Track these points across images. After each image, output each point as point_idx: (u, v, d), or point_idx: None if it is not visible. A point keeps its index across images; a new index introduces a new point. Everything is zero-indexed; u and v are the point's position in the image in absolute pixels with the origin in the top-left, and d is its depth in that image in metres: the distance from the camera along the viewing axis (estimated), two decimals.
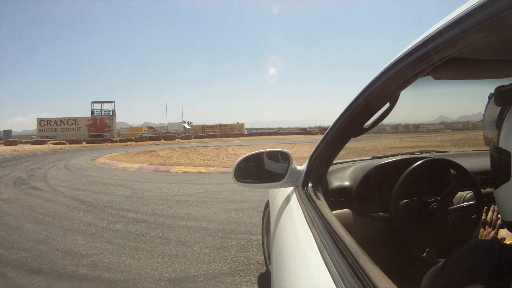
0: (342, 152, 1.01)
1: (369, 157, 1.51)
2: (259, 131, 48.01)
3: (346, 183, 1.20)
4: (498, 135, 0.53)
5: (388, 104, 0.77)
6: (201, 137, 39.34)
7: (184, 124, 52.75)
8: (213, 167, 8.06)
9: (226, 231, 3.15)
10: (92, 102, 47.46)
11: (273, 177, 1.11)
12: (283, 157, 1.13)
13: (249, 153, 1.14)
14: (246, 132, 47.45)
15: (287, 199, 1.17)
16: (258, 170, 1.17)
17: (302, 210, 0.92)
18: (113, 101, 47.95)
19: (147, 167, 8.75)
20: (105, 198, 4.89)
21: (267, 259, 2.06)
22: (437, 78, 0.75)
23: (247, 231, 3.15)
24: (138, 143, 29.98)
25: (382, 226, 1.13)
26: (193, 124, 56.24)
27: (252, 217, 3.61)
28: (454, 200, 1.10)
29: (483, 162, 1.35)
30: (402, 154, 1.44)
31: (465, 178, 1.07)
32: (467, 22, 0.42)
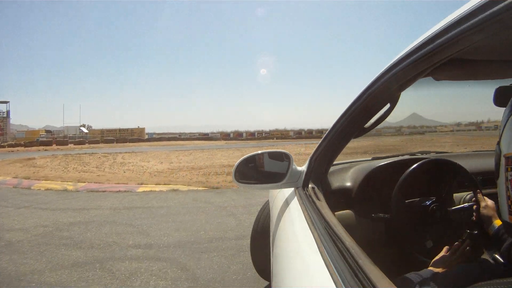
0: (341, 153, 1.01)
1: (370, 158, 1.51)
2: (159, 136, 45.30)
3: (347, 184, 1.20)
4: (501, 133, 0.54)
5: (388, 105, 0.77)
6: (97, 142, 36.17)
7: (82, 128, 48.53)
8: (85, 182, 6.80)
9: None
10: None
11: (274, 178, 1.11)
12: (284, 158, 1.13)
13: (249, 154, 1.14)
14: (147, 136, 44.61)
15: (288, 200, 1.17)
16: (259, 171, 1.17)
17: (303, 211, 0.92)
18: (8, 101, 41.52)
19: (10, 181, 7.17)
20: None
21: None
22: (437, 79, 0.75)
23: None
24: (27, 148, 26.46)
25: (383, 227, 1.13)
26: (93, 128, 50.90)
27: (92, 283, 2.21)
28: (454, 201, 1.10)
29: (483, 163, 1.35)
30: (402, 155, 1.44)
31: (466, 179, 1.07)
32: (467, 23, 0.42)
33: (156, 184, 6.29)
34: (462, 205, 1.05)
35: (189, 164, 10.08)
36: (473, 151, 1.81)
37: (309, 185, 1.03)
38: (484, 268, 0.50)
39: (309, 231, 0.77)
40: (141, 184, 6.37)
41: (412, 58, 0.55)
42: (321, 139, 1.00)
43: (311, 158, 1.06)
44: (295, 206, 1.02)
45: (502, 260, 0.69)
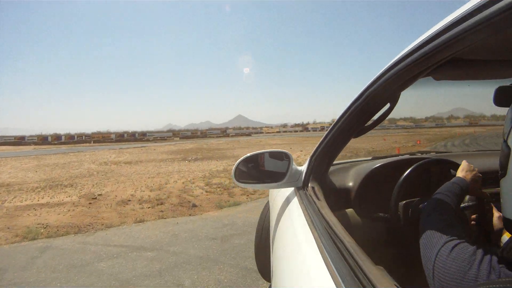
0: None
1: (370, 158, 1.51)
2: None
3: (347, 184, 1.20)
4: (509, 131, 0.54)
5: (388, 105, 0.77)
6: None
7: None
8: None
9: None
10: None
11: (274, 177, 1.11)
12: (284, 158, 1.13)
13: (249, 154, 1.14)
14: None
15: (288, 200, 1.17)
16: (259, 170, 1.17)
17: (303, 211, 0.92)
18: None
19: None
20: None
21: None
22: (437, 78, 0.75)
23: None
24: None
25: (383, 227, 1.13)
26: None
27: None
28: None
29: (484, 162, 1.35)
30: (402, 155, 1.44)
31: None
32: (467, 23, 0.42)
33: None
34: (462, 205, 1.05)
35: None
36: (473, 151, 1.81)
37: (309, 185, 1.03)
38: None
39: (309, 230, 0.77)
40: None
41: (412, 58, 0.55)
42: (321, 139, 1.00)
43: (311, 157, 1.06)
44: (295, 206, 1.02)
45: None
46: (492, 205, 0.88)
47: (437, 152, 1.68)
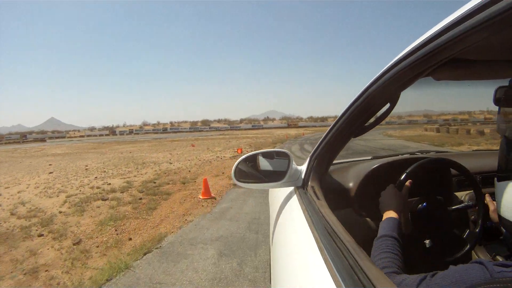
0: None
1: (370, 157, 1.51)
2: None
3: (347, 183, 1.20)
4: None
5: (388, 105, 0.77)
6: None
7: None
8: None
9: None
10: None
11: (273, 177, 1.11)
12: (283, 157, 1.13)
13: (248, 154, 1.14)
14: None
15: (287, 199, 1.17)
16: (258, 170, 1.17)
17: (302, 210, 0.92)
18: None
19: None
20: None
21: None
22: (437, 78, 0.75)
23: None
24: None
25: None
26: None
27: None
28: (454, 200, 1.10)
29: (484, 162, 1.36)
30: (402, 154, 1.45)
31: (466, 178, 1.07)
32: (467, 23, 0.42)
33: None
34: (462, 204, 1.05)
35: None
36: (473, 150, 1.82)
37: (309, 184, 1.03)
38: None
39: (309, 230, 0.77)
40: None
41: (412, 58, 0.55)
42: (321, 139, 1.00)
43: (311, 157, 1.06)
44: (295, 205, 1.02)
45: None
46: (489, 197, 0.88)
47: (437, 151, 1.69)
